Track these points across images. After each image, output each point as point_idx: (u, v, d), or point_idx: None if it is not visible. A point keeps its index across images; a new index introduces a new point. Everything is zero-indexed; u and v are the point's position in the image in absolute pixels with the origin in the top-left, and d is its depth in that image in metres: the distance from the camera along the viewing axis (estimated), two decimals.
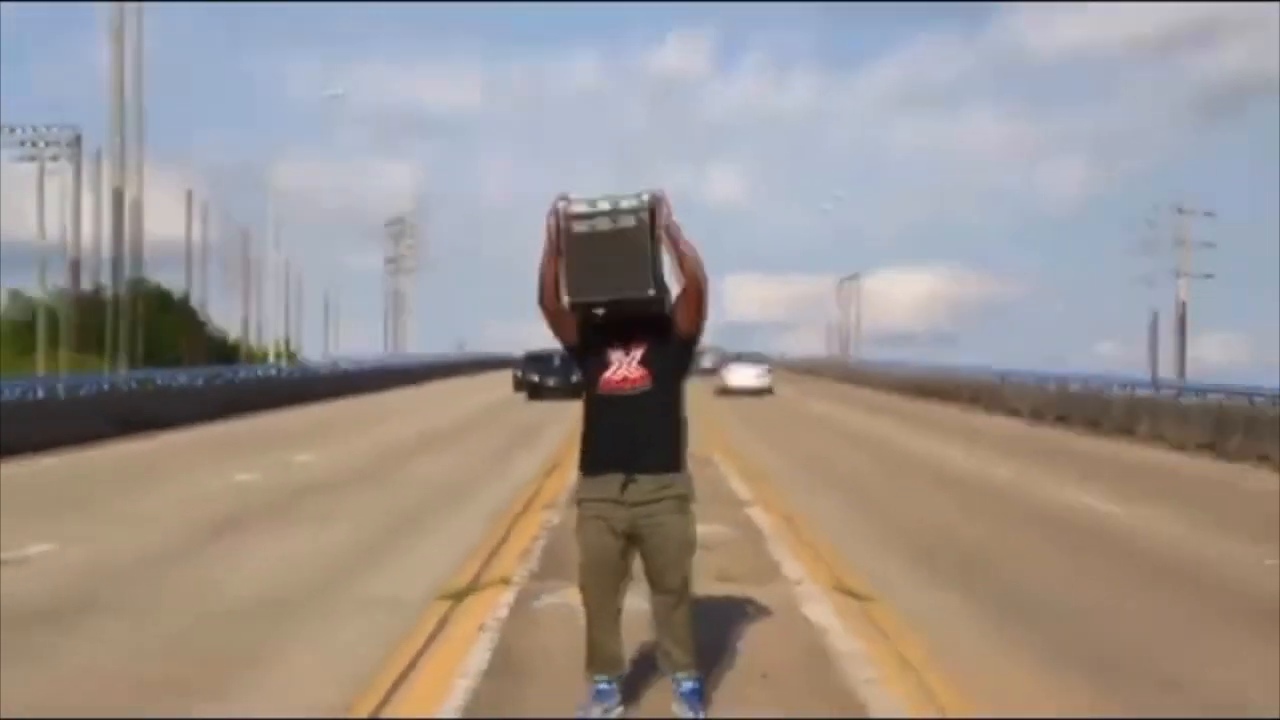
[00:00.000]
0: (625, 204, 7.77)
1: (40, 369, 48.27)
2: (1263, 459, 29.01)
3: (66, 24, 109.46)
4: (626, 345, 7.90)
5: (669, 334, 7.99)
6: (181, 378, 50.18)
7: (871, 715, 8.59)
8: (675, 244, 7.83)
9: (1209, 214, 61.73)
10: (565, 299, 7.96)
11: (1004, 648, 11.78)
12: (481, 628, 10.47)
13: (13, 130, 51.13)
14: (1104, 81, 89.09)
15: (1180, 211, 60.69)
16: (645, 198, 7.81)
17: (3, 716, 6.42)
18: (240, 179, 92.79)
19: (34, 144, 51.48)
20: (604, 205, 7.81)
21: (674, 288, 7.97)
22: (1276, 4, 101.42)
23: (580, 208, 7.80)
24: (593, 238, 7.82)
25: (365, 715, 7.49)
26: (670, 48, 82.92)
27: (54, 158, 51.26)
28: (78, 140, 50.22)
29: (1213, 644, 11.57)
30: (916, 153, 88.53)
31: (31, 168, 51.61)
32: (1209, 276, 61.14)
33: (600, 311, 8.05)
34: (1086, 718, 6.89)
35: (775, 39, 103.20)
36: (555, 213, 7.83)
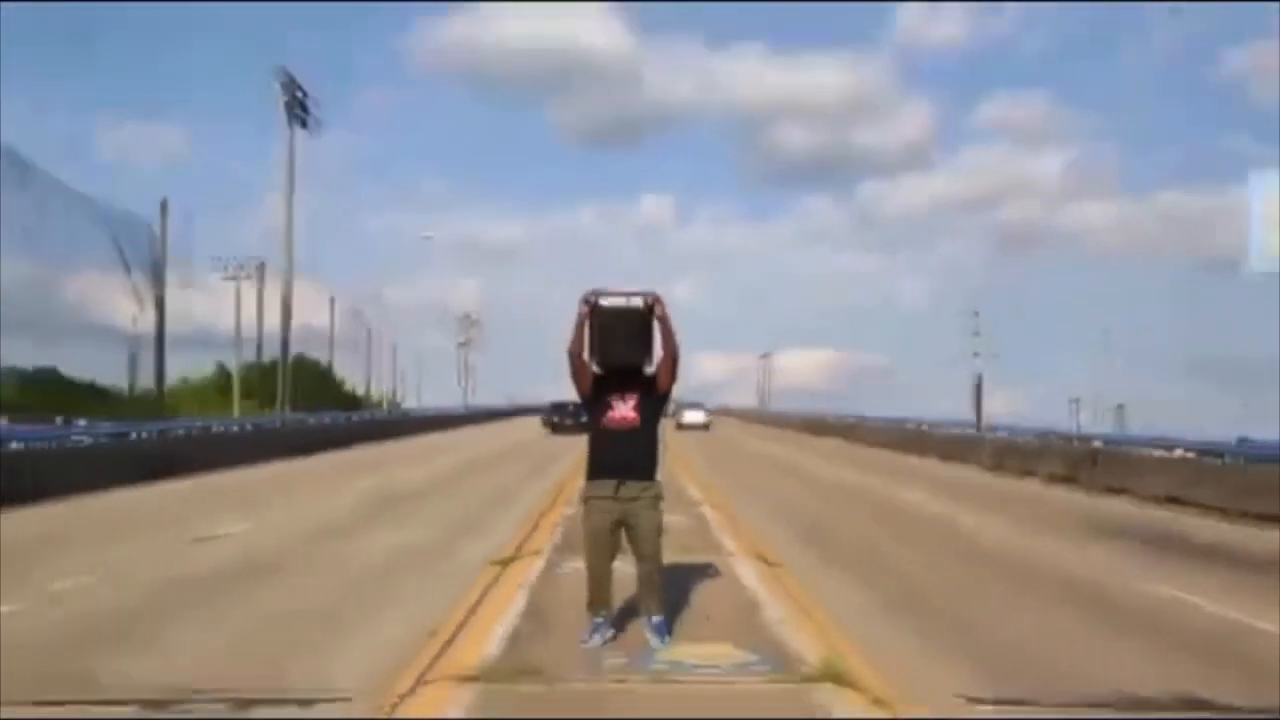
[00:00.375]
0: (635, 296, 8.00)
1: (236, 413, 48.48)
2: (1028, 473, 29.24)
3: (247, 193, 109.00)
4: (623, 395, 8.07)
5: (653, 389, 8.15)
6: (325, 418, 49.88)
7: (781, 644, 8.30)
8: (666, 330, 7.99)
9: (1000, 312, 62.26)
10: (593, 366, 8.11)
11: (859, 590, 11.95)
12: (520, 584, 10.57)
13: (219, 260, 52.11)
14: (934, 228, 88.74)
15: (975, 314, 61.34)
16: (649, 294, 8.01)
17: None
18: (363, 288, 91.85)
19: (233, 270, 52.27)
20: (620, 293, 8.02)
21: (659, 354, 8.09)
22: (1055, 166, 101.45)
23: (608, 296, 8.02)
24: (614, 311, 7.95)
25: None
26: (647, 206, 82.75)
27: (246, 278, 51.85)
28: (262, 267, 50.73)
29: (1007, 598, 11.70)
30: (809, 274, 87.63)
31: (231, 285, 52.32)
32: (996, 356, 61.58)
33: (600, 371, 8.14)
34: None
35: (716, 202, 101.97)
36: (586, 299, 7.95)
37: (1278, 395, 21.44)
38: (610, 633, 8.11)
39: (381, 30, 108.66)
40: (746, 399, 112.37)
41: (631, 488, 8.00)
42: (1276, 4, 68.30)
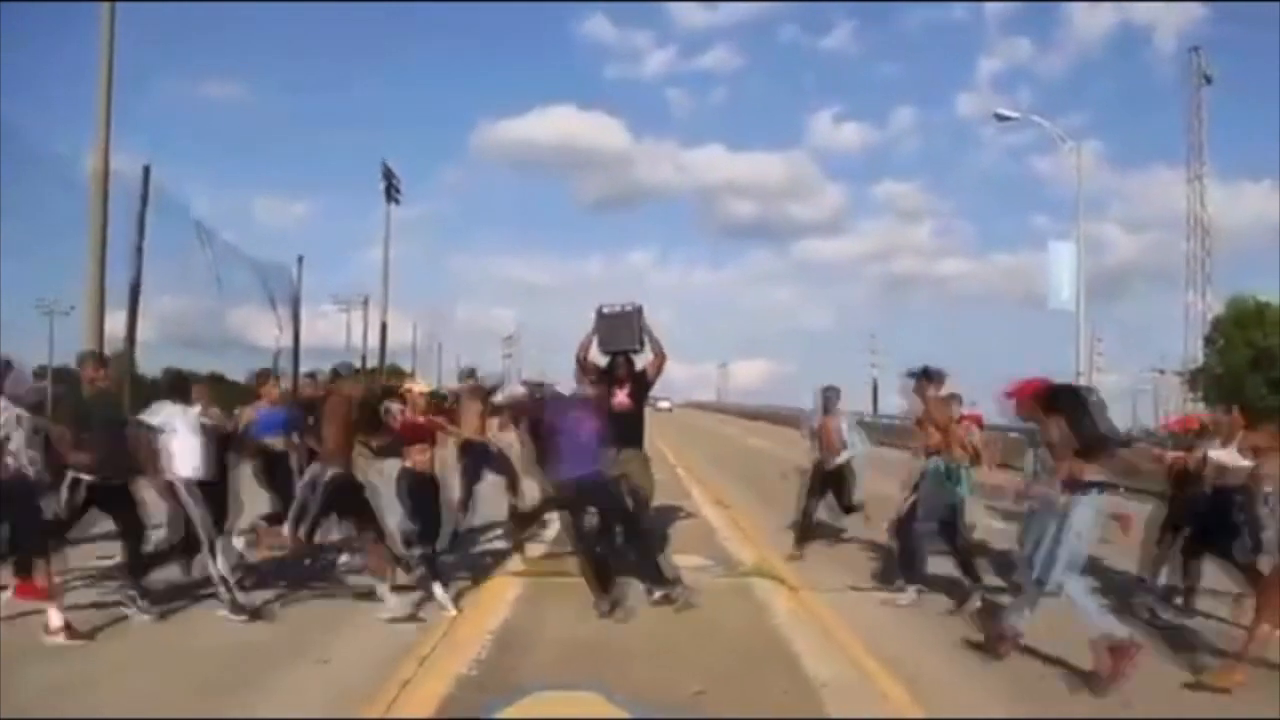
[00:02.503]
0: (628, 305, 8.07)
1: None
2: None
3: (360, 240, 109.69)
4: (621, 386, 7.93)
5: (643, 381, 8.08)
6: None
7: (730, 557, 8.42)
8: (653, 336, 8.03)
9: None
10: (597, 349, 8.05)
11: (765, 511, 11.62)
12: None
13: (336, 299, 52.34)
14: (844, 274, 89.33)
15: (873, 336, 61.60)
16: (637, 303, 8.09)
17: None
18: (436, 313, 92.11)
19: (343, 303, 52.51)
20: (619, 305, 8.07)
21: (648, 353, 8.10)
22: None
23: (610, 305, 8.09)
24: (613, 315, 8.01)
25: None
26: (635, 256, 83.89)
27: (353, 309, 52.14)
28: (367, 300, 51.04)
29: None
30: (756, 306, 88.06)
31: (342, 315, 52.63)
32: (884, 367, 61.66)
33: (605, 361, 8.08)
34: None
35: (687, 249, 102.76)
36: (597, 311, 8.04)
37: None
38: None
39: (453, 129, 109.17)
40: (707, 396, 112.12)
41: (627, 452, 7.72)
42: None
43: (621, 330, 8.06)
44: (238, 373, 38.65)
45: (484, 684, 5.06)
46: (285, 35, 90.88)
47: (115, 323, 24.33)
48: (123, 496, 6.18)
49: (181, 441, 6.24)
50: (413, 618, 6.35)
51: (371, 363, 51.67)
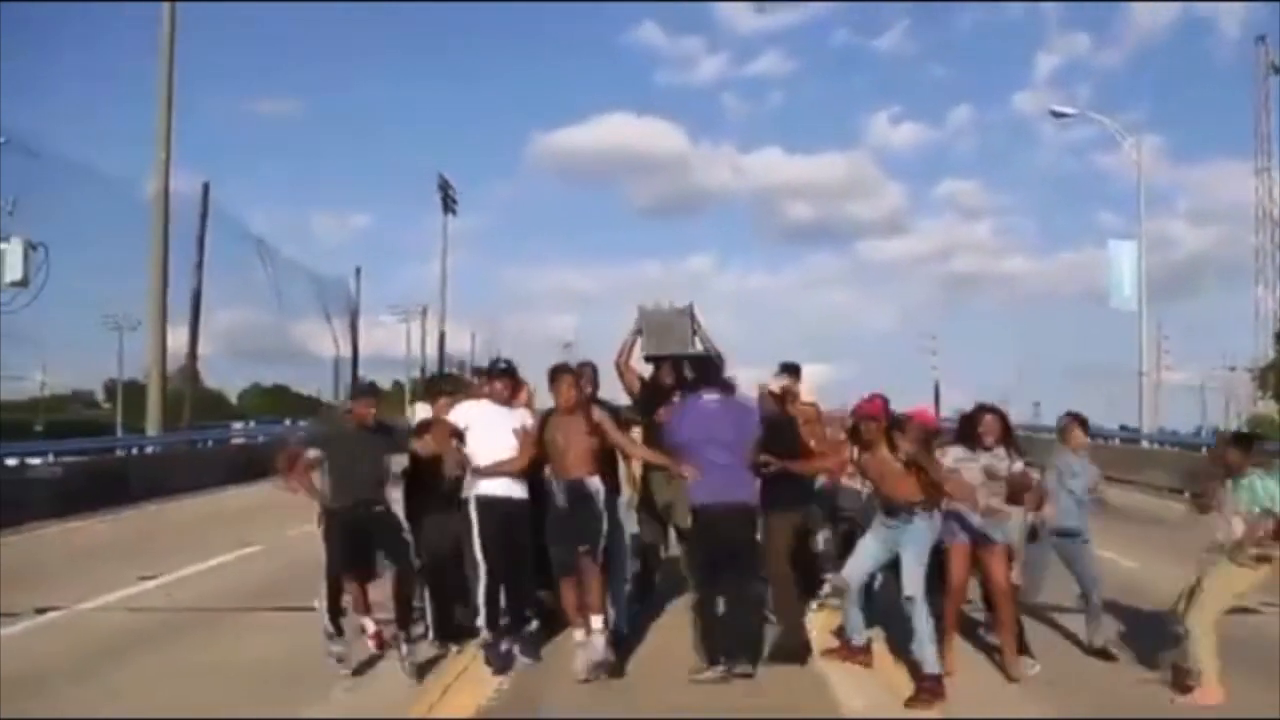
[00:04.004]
0: (679, 303, 6.72)
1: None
2: None
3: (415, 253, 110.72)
4: (669, 401, 6.28)
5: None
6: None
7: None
8: (708, 339, 6.62)
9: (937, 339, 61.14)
10: (640, 355, 6.70)
11: None
12: None
13: (394, 309, 52.88)
14: (907, 274, 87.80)
15: (933, 338, 59.54)
16: (689, 303, 6.74)
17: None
18: (492, 322, 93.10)
19: (403, 312, 52.98)
20: (666, 304, 6.76)
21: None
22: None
23: (651, 303, 6.74)
24: (658, 314, 6.69)
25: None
26: (693, 261, 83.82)
27: (413, 318, 52.67)
28: (425, 310, 51.39)
29: None
30: (817, 308, 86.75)
31: (402, 324, 53.22)
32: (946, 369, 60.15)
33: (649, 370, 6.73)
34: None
35: (745, 253, 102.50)
36: (640, 309, 6.73)
37: (1137, 391, 21.57)
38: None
39: (507, 139, 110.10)
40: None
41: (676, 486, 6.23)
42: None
43: (670, 332, 6.76)
44: (301, 384, 39.70)
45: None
46: (336, 49, 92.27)
47: (178, 338, 25.23)
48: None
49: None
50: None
51: (430, 371, 52.54)
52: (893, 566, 5.27)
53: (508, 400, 5.54)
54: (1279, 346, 38.48)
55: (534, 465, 5.49)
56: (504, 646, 5.33)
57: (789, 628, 5.61)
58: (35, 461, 14.46)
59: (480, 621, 5.27)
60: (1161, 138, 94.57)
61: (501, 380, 5.52)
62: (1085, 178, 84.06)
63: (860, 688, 5.17)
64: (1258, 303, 42.08)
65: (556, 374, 5.53)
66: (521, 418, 5.51)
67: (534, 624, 5.52)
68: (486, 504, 5.31)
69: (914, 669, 5.04)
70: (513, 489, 5.38)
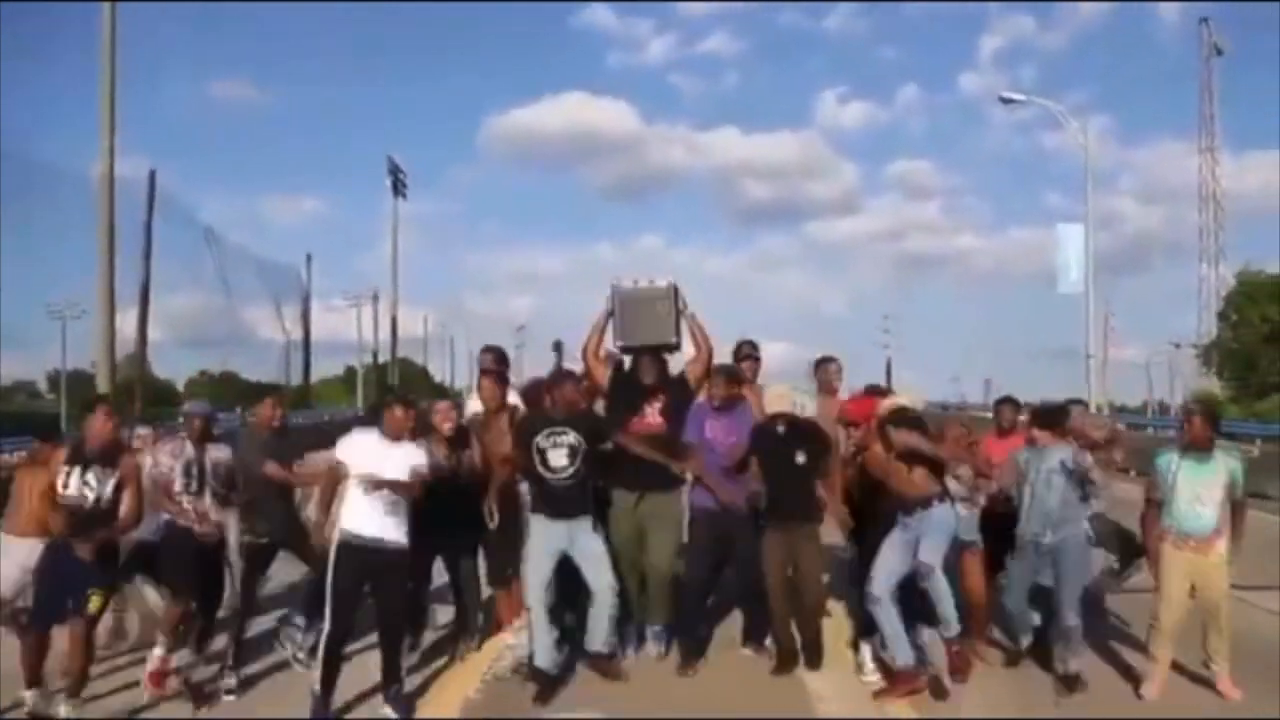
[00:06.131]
0: (658, 280, 5.76)
1: (359, 404, 48.68)
2: None
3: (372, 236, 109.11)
4: (651, 399, 5.66)
5: (683, 391, 5.73)
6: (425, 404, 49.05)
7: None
8: (696, 324, 5.71)
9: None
10: (616, 344, 5.83)
11: None
12: None
13: (346, 294, 52.29)
14: (860, 253, 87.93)
15: (885, 316, 60.60)
16: (670, 279, 5.80)
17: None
18: (446, 307, 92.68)
19: (354, 297, 52.43)
20: (645, 280, 5.78)
21: (689, 352, 5.85)
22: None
23: (630, 280, 5.80)
24: (637, 293, 5.70)
25: None
26: (646, 241, 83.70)
27: (362, 303, 52.08)
28: (376, 295, 51.00)
29: None
30: (772, 288, 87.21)
31: (352, 309, 52.66)
32: (900, 349, 61.06)
33: (626, 361, 5.85)
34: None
35: (699, 238, 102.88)
36: (613, 288, 5.77)
37: (1082, 369, 22.13)
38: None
39: (458, 122, 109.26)
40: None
41: (655, 499, 5.67)
42: None
43: (650, 316, 5.74)
44: (250, 371, 39.32)
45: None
46: (288, 33, 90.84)
47: (126, 326, 24.77)
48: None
49: None
50: None
51: (383, 357, 52.20)
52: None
53: (402, 433, 4.88)
54: (1221, 324, 39.51)
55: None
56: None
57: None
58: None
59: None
60: (1108, 118, 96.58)
61: (402, 408, 4.91)
62: (1033, 158, 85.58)
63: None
64: (1201, 280, 43.22)
65: (481, 375, 5.85)
66: (412, 456, 4.81)
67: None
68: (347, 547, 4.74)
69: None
70: (385, 529, 4.72)
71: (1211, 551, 4.92)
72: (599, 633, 5.29)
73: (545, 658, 5.20)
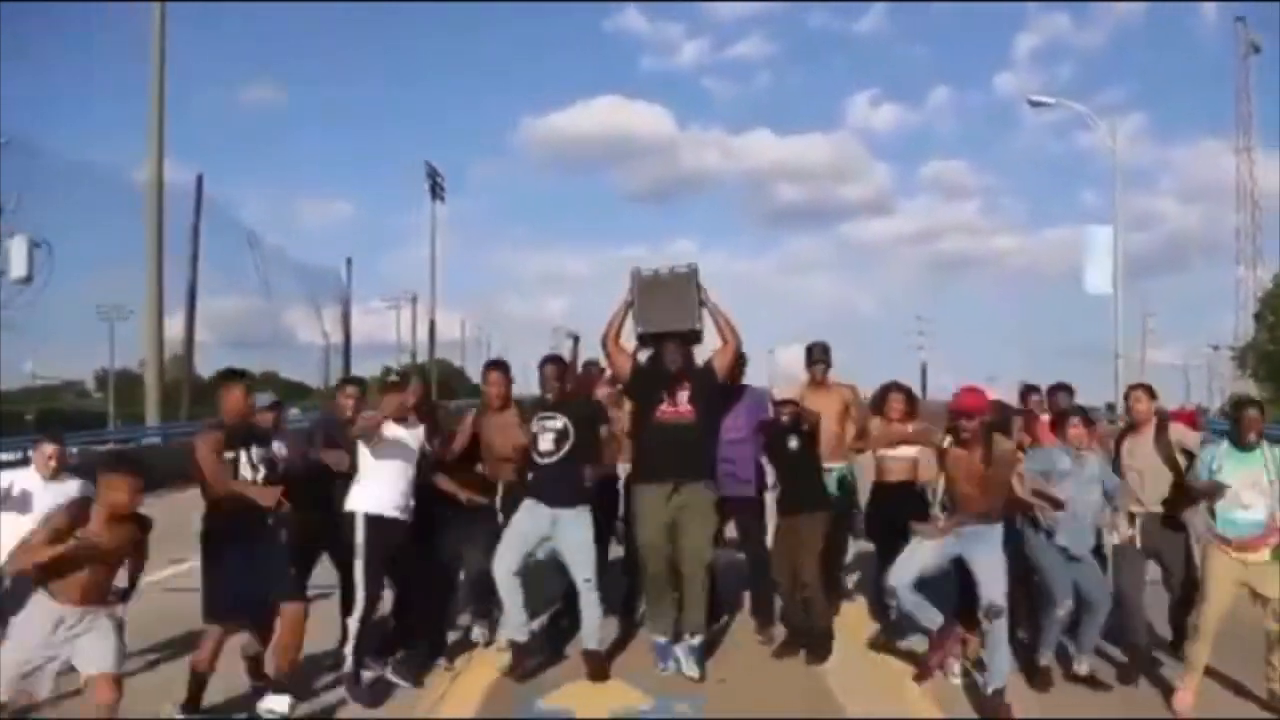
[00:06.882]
0: (679, 266, 5.47)
1: None
2: None
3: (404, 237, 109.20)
4: (674, 388, 5.28)
5: (708, 380, 5.35)
6: (462, 405, 49.21)
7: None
8: (719, 313, 5.38)
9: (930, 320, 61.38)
10: (637, 331, 5.48)
11: None
12: None
13: (384, 297, 52.91)
14: (894, 255, 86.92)
15: (918, 318, 60.10)
16: (691, 264, 5.47)
17: None
18: (482, 308, 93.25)
19: (393, 300, 53.04)
20: (666, 267, 5.49)
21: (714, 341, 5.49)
22: None
23: (651, 269, 5.49)
24: (656, 280, 5.42)
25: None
26: (679, 245, 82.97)
27: (401, 306, 52.74)
28: (415, 298, 51.52)
29: None
30: (803, 289, 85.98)
31: (391, 311, 53.34)
32: (935, 350, 60.54)
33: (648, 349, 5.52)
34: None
35: (730, 241, 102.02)
36: (633, 275, 5.47)
37: (1111, 370, 21.94)
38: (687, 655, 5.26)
39: (494, 125, 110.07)
40: (757, 380, 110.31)
41: (690, 491, 5.28)
42: None
43: (671, 302, 5.45)
44: (290, 370, 40.09)
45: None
46: (323, 38, 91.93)
47: (173, 327, 25.54)
48: None
49: None
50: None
51: (421, 358, 52.76)
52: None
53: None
54: (1258, 326, 39.06)
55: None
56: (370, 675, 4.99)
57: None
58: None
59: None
60: (1146, 116, 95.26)
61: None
62: (1068, 158, 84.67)
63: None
64: (1238, 281, 42.80)
65: (485, 369, 6.03)
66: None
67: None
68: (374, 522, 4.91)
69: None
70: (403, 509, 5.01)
71: (1260, 550, 4.65)
72: (587, 629, 5.21)
73: (513, 628, 5.22)
